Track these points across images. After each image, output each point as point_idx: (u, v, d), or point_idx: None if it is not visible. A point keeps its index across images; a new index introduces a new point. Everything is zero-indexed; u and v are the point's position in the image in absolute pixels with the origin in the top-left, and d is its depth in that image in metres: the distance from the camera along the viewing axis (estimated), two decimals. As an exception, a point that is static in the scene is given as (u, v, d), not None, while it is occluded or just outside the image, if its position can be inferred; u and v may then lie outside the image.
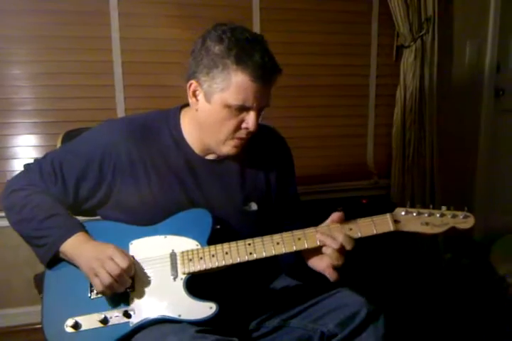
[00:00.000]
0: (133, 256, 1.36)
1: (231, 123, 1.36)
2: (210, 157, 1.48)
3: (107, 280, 1.26)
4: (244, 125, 1.37)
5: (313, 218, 1.41)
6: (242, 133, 1.39)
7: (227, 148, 1.41)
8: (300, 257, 1.42)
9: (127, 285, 1.30)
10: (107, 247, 1.32)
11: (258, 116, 1.37)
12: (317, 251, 1.37)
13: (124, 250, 1.34)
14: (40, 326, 1.33)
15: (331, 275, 1.36)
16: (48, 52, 2.50)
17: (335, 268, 1.36)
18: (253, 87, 1.30)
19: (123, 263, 1.28)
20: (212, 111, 1.36)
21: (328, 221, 1.39)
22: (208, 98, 1.36)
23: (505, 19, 3.27)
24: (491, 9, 3.22)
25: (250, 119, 1.35)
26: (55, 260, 1.37)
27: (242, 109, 1.34)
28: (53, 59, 2.51)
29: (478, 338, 2.44)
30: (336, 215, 1.38)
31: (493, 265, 3.11)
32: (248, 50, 1.30)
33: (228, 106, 1.33)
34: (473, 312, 2.69)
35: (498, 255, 3.17)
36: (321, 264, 1.38)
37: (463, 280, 3.06)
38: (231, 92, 1.31)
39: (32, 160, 1.50)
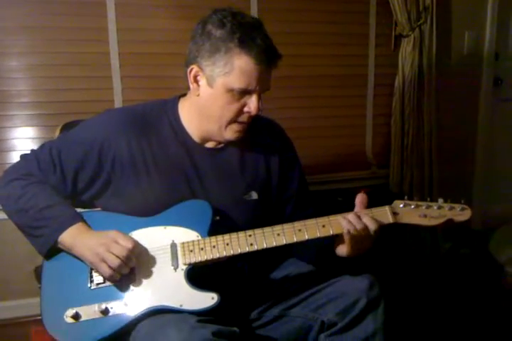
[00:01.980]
0: (133, 247, 1.36)
1: (233, 107, 1.37)
2: (210, 145, 1.48)
3: (116, 262, 1.27)
4: (246, 109, 1.38)
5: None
6: (244, 117, 1.39)
7: (230, 133, 1.42)
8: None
9: (132, 265, 1.31)
10: (108, 232, 1.33)
11: (259, 99, 1.37)
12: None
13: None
14: (39, 318, 1.33)
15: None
16: (45, 43, 2.48)
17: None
18: (257, 69, 1.32)
19: (128, 244, 1.29)
20: (215, 95, 1.36)
21: (356, 206, 1.40)
22: (210, 82, 1.36)
23: (503, 8, 3.26)
24: (489, -2, 3.21)
25: (252, 103, 1.36)
26: (53, 251, 1.37)
27: (245, 92, 1.35)
28: (50, 50, 2.49)
29: (478, 327, 2.46)
30: (360, 197, 1.41)
31: (492, 254, 3.12)
32: (251, 33, 1.31)
33: (231, 90, 1.34)
34: (472, 301, 2.71)
35: (497, 244, 3.18)
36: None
37: (462, 269, 3.07)
38: (234, 76, 1.32)
39: (28, 151, 1.49)
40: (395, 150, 3.07)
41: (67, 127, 1.77)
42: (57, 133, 1.78)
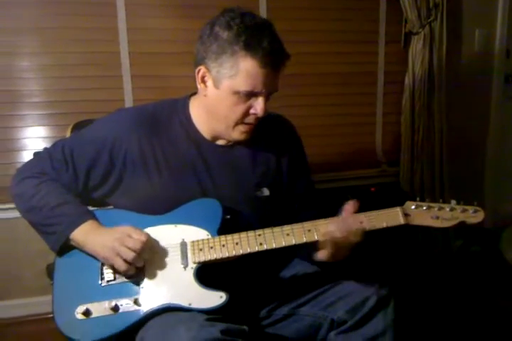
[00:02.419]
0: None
1: (239, 109, 1.37)
2: (221, 142, 1.49)
3: (131, 255, 1.28)
4: (252, 111, 1.38)
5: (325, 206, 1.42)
6: (250, 119, 1.40)
7: (237, 134, 1.43)
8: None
9: (146, 258, 1.32)
10: (119, 227, 1.34)
11: (266, 101, 1.37)
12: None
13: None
14: (51, 315, 1.34)
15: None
16: (56, 43, 2.50)
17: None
18: (262, 72, 1.31)
19: (142, 237, 1.30)
20: (221, 96, 1.37)
21: (343, 212, 1.38)
22: (216, 84, 1.36)
23: (514, 4, 3.23)
24: (500, -6, 3.19)
25: (259, 105, 1.36)
26: (65, 248, 1.38)
27: (251, 94, 1.35)
28: (61, 50, 2.51)
29: (488, 325, 2.45)
30: (349, 205, 1.38)
31: (502, 252, 3.11)
32: (257, 36, 1.30)
33: (237, 92, 1.34)
34: (482, 299, 2.69)
35: (507, 242, 3.17)
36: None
37: (473, 267, 3.05)
38: (240, 78, 1.32)
39: (41, 149, 1.51)
40: (405, 148, 3.05)
41: (78, 126, 1.78)
42: (68, 132, 1.80)
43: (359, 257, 1.41)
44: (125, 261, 1.29)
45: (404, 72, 3.01)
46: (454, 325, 2.44)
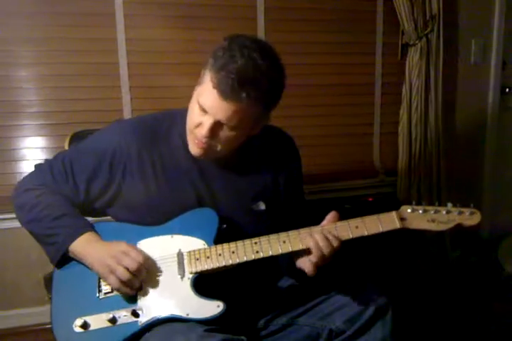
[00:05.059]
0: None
1: (194, 117, 1.34)
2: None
3: (125, 276, 1.28)
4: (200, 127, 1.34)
5: (320, 217, 1.41)
6: (197, 133, 1.35)
7: (193, 147, 1.39)
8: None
9: (142, 278, 1.31)
10: (119, 244, 1.33)
11: (216, 128, 1.31)
12: None
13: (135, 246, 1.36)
14: (49, 326, 1.35)
15: (309, 269, 1.33)
16: (54, 54, 2.51)
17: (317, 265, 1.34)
18: (212, 93, 1.27)
19: (139, 257, 1.30)
20: (192, 101, 1.36)
21: (324, 222, 1.37)
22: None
23: (510, 16, 3.25)
24: (496, 6, 3.21)
25: (203, 124, 1.32)
26: (64, 260, 1.39)
27: (204, 110, 1.31)
28: (59, 61, 2.52)
29: (486, 336, 2.44)
30: (330, 215, 1.38)
31: (500, 262, 3.11)
32: (230, 63, 1.25)
33: (198, 102, 1.32)
34: (481, 310, 2.69)
35: (506, 252, 3.17)
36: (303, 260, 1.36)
37: (470, 277, 3.05)
38: (201, 88, 1.31)
39: (42, 161, 1.52)
40: (402, 158, 3.06)
41: (76, 137, 1.79)
42: (66, 142, 1.80)
43: (357, 265, 1.41)
44: (119, 279, 1.29)
45: (401, 83, 3.03)
46: (452, 335, 2.44)
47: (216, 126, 1.31)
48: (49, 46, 2.50)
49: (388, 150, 3.15)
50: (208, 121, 1.30)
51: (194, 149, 1.39)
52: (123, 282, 1.29)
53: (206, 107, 1.29)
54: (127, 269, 1.28)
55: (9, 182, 2.45)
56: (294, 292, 1.55)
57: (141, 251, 1.34)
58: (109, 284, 1.32)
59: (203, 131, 1.31)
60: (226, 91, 1.25)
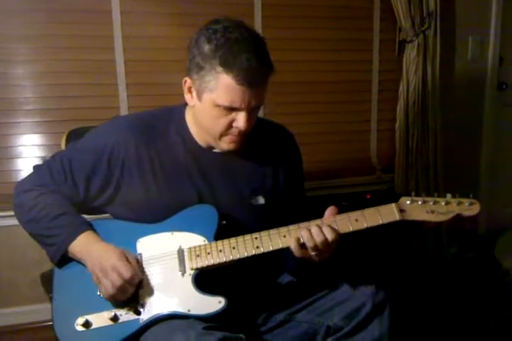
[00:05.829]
0: (141, 254, 1.38)
1: (222, 122, 1.35)
2: (217, 150, 1.48)
3: (110, 290, 1.28)
4: (235, 124, 1.35)
5: (318, 214, 1.41)
6: (234, 132, 1.37)
7: (224, 144, 1.41)
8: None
9: (129, 294, 1.31)
10: (111, 256, 1.32)
11: (251, 115, 1.35)
12: None
13: (131, 252, 1.36)
14: (46, 324, 1.36)
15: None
16: (51, 51, 2.50)
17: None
18: (239, 89, 1.28)
19: (126, 274, 1.29)
20: (204, 108, 1.36)
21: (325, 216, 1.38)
22: (199, 96, 1.35)
23: (507, 12, 3.26)
24: (493, 2, 3.22)
25: (240, 120, 1.33)
26: (64, 259, 1.38)
27: (232, 109, 1.32)
28: (56, 58, 2.51)
29: (482, 332, 2.45)
30: (329, 210, 1.38)
31: (497, 259, 3.12)
32: (235, 51, 1.26)
33: (218, 106, 1.32)
34: (478, 306, 2.70)
35: (502, 249, 3.18)
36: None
37: (467, 274, 3.06)
38: (219, 93, 1.30)
39: (39, 161, 1.51)
40: (399, 155, 3.07)
41: (73, 134, 1.78)
42: (63, 140, 1.80)
43: (354, 262, 1.41)
44: (104, 291, 1.29)
45: (398, 79, 3.03)
46: (449, 331, 2.45)
47: (253, 114, 1.35)
48: (45, 43, 2.49)
49: (385, 147, 3.16)
50: (243, 116, 1.32)
51: (227, 146, 1.41)
52: (108, 295, 1.29)
53: (236, 105, 1.30)
54: (112, 284, 1.28)
55: (5, 180, 2.45)
56: (293, 288, 1.55)
57: (131, 265, 1.32)
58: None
59: (243, 126, 1.33)
60: (254, 79, 1.28)
